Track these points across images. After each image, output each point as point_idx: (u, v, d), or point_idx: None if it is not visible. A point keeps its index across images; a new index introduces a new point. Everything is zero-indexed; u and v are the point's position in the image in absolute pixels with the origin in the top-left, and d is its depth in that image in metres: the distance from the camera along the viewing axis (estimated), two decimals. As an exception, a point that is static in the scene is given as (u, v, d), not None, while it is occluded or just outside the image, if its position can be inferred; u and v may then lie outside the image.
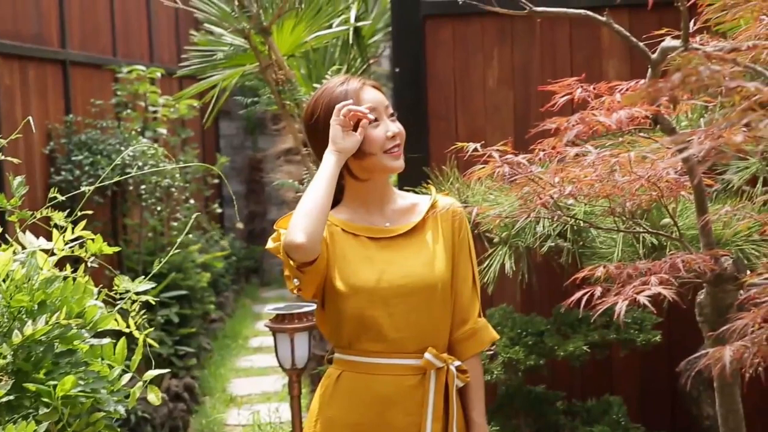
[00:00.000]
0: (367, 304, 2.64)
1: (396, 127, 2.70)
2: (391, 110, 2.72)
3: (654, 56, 2.60)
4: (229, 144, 12.47)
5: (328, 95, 2.68)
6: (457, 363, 2.71)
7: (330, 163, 2.59)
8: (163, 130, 7.69)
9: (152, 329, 2.67)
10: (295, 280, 2.58)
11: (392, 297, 2.65)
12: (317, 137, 2.70)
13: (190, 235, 8.12)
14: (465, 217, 2.83)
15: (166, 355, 6.84)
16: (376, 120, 2.67)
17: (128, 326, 2.55)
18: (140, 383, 2.48)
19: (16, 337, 2.31)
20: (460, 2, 2.87)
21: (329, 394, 2.70)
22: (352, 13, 5.46)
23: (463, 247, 2.79)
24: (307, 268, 2.55)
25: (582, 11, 2.69)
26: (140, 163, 6.66)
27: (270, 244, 2.67)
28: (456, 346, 2.75)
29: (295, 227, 2.50)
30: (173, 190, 7.55)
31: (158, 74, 7.61)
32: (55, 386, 2.29)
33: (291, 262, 2.55)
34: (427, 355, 2.65)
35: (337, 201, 2.70)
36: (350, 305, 2.64)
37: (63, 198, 2.73)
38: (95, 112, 7.15)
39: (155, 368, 2.52)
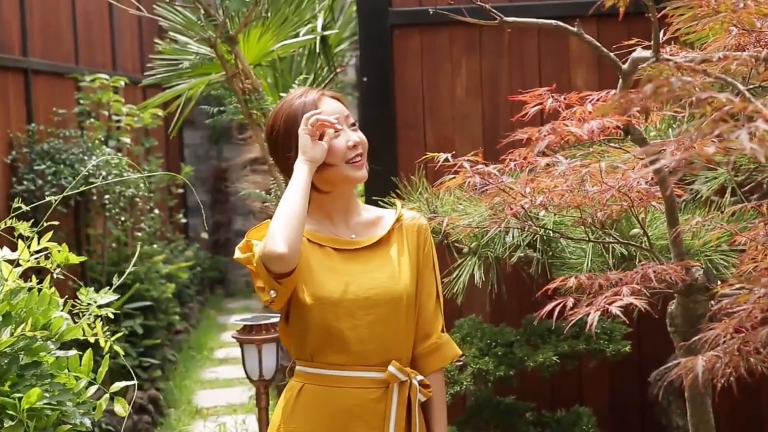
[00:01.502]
0: (331, 316, 2.61)
1: (357, 136, 2.67)
2: (351, 120, 2.70)
3: (625, 67, 2.60)
4: (194, 153, 12.40)
5: (286, 108, 2.67)
6: (420, 377, 2.70)
7: (302, 172, 2.57)
8: (126, 140, 7.63)
9: (120, 334, 2.64)
10: (272, 291, 2.54)
11: (357, 309, 2.63)
12: (278, 150, 2.69)
13: (155, 245, 8.05)
14: (429, 232, 2.82)
15: (130, 367, 6.76)
16: (335, 130, 2.65)
17: (95, 334, 2.52)
18: (106, 395, 2.45)
19: (-19, 350, 2.27)
20: (431, 12, 2.86)
21: (291, 407, 2.67)
22: (319, 23, 5.44)
23: (427, 262, 2.78)
24: (284, 279, 2.52)
25: (553, 21, 2.69)
26: (104, 173, 6.60)
27: (238, 254, 2.64)
28: (419, 361, 2.73)
29: (275, 237, 2.47)
30: (137, 200, 7.49)
31: (122, 83, 7.55)
32: (20, 399, 2.26)
33: (267, 274, 2.52)
34: (390, 368, 2.63)
35: None
36: (315, 316, 2.61)
37: (27, 208, 2.69)
38: (58, 120, 7.08)
39: (120, 380, 2.49)
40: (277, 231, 2.48)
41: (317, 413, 2.64)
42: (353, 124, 2.70)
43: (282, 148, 2.65)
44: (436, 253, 2.82)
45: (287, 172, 2.66)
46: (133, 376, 2.53)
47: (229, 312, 10.97)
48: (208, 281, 11.69)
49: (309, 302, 2.61)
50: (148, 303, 7.33)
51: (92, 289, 2.62)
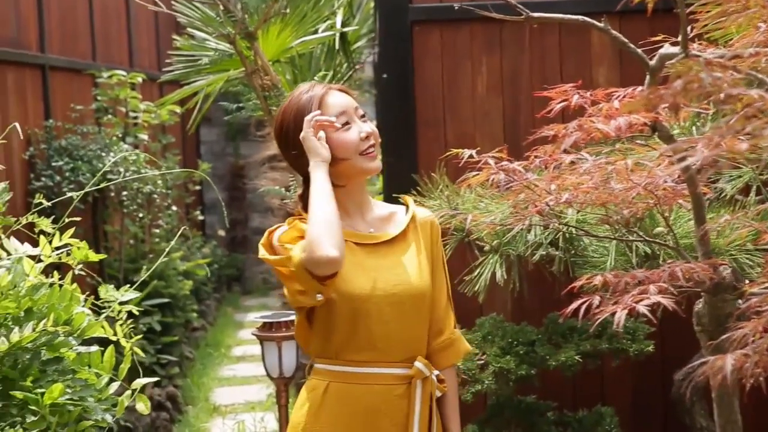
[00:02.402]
0: (360, 312, 2.61)
1: (368, 127, 2.68)
2: (361, 111, 2.70)
3: (652, 63, 2.57)
4: (210, 150, 12.40)
5: (295, 104, 2.67)
6: (436, 372, 2.71)
7: (321, 174, 2.57)
8: (144, 136, 7.62)
9: (139, 337, 2.63)
10: (319, 295, 2.53)
11: (385, 305, 2.63)
12: (289, 146, 2.68)
13: (172, 242, 8.03)
14: (439, 228, 2.85)
15: (148, 364, 6.77)
16: (347, 123, 2.65)
17: (115, 334, 2.51)
18: (128, 392, 2.44)
19: (3, 344, 2.27)
20: (456, 8, 2.84)
21: (317, 407, 2.66)
22: (338, 19, 5.42)
23: (439, 258, 2.80)
24: (329, 280, 2.52)
25: (579, 17, 2.67)
26: (122, 169, 6.59)
27: (265, 255, 2.61)
28: (433, 357, 2.74)
29: (324, 242, 2.45)
30: (155, 196, 7.48)
31: (139, 79, 7.54)
32: (42, 394, 2.25)
33: (311, 277, 2.49)
34: (417, 364, 2.65)
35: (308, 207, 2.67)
36: (343, 313, 2.60)
37: (49, 204, 2.69)
38: (75, 117, 7.07)
39: (137, 376, 2.47)
40: (323, 236, 2.46)
41: (344, 412, 2.64)
42: (363, 116, 2.70)
43: (293, 143, 2.65)
44: (448, 250, 2.83)
45: (298, 168, 2.69)
46: (141, 373, 2.51)
47: (246, 309, 10.97)
48: (225, 278, 11.69)
49: (337, 299, 2.59)
50: (165, 300, 7.33)
51: (112, 286, 2.60)
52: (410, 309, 2.66)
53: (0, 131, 2.94)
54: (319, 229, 2.47)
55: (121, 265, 7.06)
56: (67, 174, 6.29)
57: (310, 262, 2.45)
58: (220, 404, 7.47)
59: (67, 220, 2.61)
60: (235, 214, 12.19)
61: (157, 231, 7.78)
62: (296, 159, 2.65)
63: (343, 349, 2.64)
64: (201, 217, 10.71)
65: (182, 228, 3.13)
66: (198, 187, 10.42)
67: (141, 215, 7.32)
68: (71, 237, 2.59)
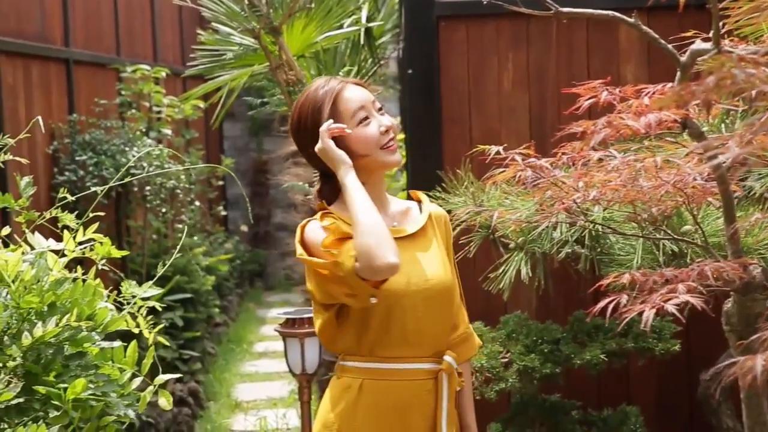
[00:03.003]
0: (396, 308, 2.60)
1: (387, 120, 2.67)
2: (378, 104, 2.69)
3: (683, 59, 2.54)
4: (233, 146, 12.41)
5: (312, 99, 2.66)
6: (455, 366, 2.72)
7: (355, 180, 2.57)
8: (167, 131, 7.63)
9: (162, 326, 2.61)
10: (373, 298, 2.53)
11: (419, 300, 2.63)
12: (306, 141, 2.67)
13: (195, 238, 8.04)
14: (450, 224, 2.88)
15: (170, 359, 6.78)
16: (366, 118, 2.64)
17: (138, 326, 2.49)
18: (151, 387, 2.42)
19: (26, 339, 2.26)
20: (485, 2, 2.80)
21: (352, 406, 2.65)
22: (363, 14, 5.40)
23: (451, 254, 2.81)
24: (382, 284, 2.52)
25: (609, 12, 2.64)
26: (145, 164, 6.60)
27: (302, 253, 2.59)
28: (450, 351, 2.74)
29: (382, 250, 2.44)
30: (178, 191, 7.48)
31: (163, 74, 7.55)
32: (65, 389, 2.24)
33: (363, 283, 2.48)
34: (447, 358, 2.67)
35: (329, 201, 2.70)
36: (379, 309, 2.59)
37: (72, 198, 2.68)
38: (99, 111, 7.08)
39: (158, 372, 2.46)
40: (380, 244, 2.45)
41: (378, 408, 2.64)
42: (380, 109, 2.69)
43: (311, 138, 2.63)
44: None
45: (315, 163, 2.68)
46: (160, 369, 2.50)
47: (269, 305, 10.97)
48: (247, 274, 11.70)
49: None
50: (188, 295, 7.33)
51: (134, 282, 2.59)
52: (440, 303, 2.67)
53: (24, 125, 2.93)
54: (371, 237, 2.46)
55: (144, 260, 7.06)
56: (91, 168, 6.30)
57: (369, 270, 2.45)
58: (242, 400, 7.48)
59: (90, 215, 2.60)
60: (257, 209, 12.18)
61: (180, 226, 7.79)
62: (313, 155, 2.65)
63: (376, 346, 2.63)
64: (224, 213, 10.72)
65: (188, 223, 3.11)
66: (221, 183, 10.43)
67: (164, 210, 7.32)
68: (94, 232, 2.57)
